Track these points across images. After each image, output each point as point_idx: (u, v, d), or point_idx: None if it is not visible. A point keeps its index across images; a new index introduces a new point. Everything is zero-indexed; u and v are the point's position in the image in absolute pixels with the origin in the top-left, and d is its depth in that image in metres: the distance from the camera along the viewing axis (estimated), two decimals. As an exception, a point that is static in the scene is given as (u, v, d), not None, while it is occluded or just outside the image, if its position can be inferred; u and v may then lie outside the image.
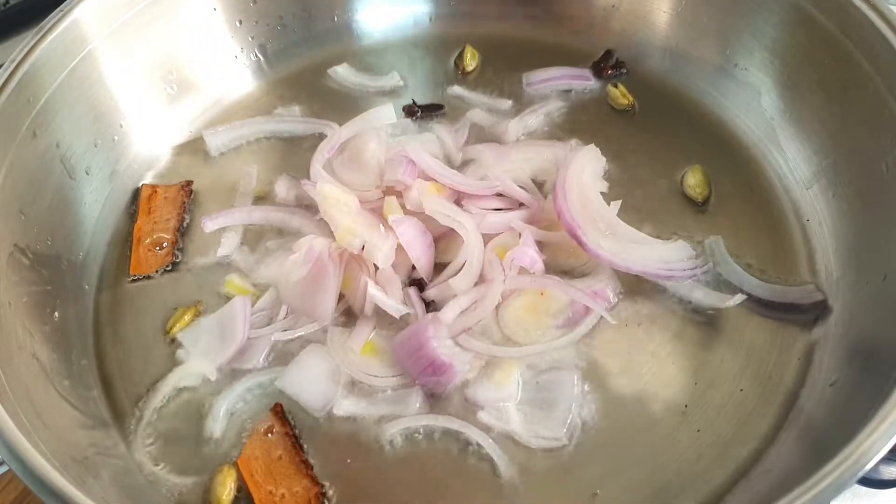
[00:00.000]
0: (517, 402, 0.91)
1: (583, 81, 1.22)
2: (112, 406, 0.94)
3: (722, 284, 0.97)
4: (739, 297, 0.94)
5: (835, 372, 0.89)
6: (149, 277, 1.04)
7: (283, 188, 1.11)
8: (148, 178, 1.15)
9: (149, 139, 1.17)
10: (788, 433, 0.87)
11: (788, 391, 0.90)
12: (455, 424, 0.89)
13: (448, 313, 0.94)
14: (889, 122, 0.92)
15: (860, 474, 0.68)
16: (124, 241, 1.08)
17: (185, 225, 1.09)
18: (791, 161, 1.08)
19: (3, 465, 0.75)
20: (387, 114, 1.16)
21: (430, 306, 0.97)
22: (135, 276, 1.04)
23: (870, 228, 0.95)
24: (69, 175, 1.05)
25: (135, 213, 1.10)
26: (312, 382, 0.93)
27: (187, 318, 0.99)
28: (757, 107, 1.12)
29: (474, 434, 0.88)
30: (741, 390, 0.91)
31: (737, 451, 0.87)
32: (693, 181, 1.07)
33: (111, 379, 0.96)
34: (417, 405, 0.91)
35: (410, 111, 1.20)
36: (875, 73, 0.94)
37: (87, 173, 1.08)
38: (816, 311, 0.95)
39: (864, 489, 0.88)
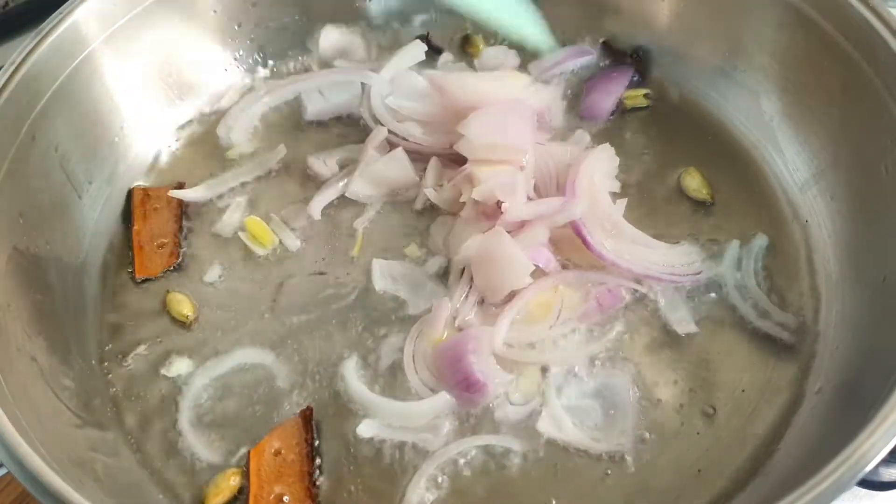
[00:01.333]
0: (572, 412, 0.89)
1: (587, 57, 1.22)
2: (111, 408, 0.94)
3: (711, 300, 0.97)
4: (693, 328, 0.94)
5: (835, 374, 0.89)
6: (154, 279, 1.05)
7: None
8: (149, 181, 1.15)
9: (149, 141, 1.17)
10: (789, 435, 0.87)
11: (789, 392, 0.90)
12: (485, 441, 0.88)
13: (502, 326, 0.92)
14: (888, 124, 0.92)
15: (860, 476, 0.67)
16: (124, 242, 1.08)
17: (184, 224, 1.09)
18: (790, 163, 1.08)
19: (2, 467, 0.75)
20: (417, 51, 1.20)
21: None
22: (141, 278, 1.04)
23: (869, 230, 0.95)
24: (68, 178, 1.05)
25: (130, 216, 1.10)
26: None
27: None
28: (756, 109, 1.12)
29: (509, 444, 0.87)
30: (742, 391, 0.91)
31: (737, 453, 0.87)
32: (694, 183, 1.07)
33: (110, 381, 0.96)
34: (447, 431, 0.89)
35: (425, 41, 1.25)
36: (874, 74, 0.94)
37: (87, 176, 1.08)
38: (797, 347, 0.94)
39: (863, 491, 0.88)
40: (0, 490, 0.97)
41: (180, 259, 1.06)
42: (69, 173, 1.05)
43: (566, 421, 0.88)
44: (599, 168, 1.01)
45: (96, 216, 1.09)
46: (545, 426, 0.88)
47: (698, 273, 0.97)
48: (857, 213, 0.97)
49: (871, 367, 0.83)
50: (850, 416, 0.76)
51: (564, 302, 0.95)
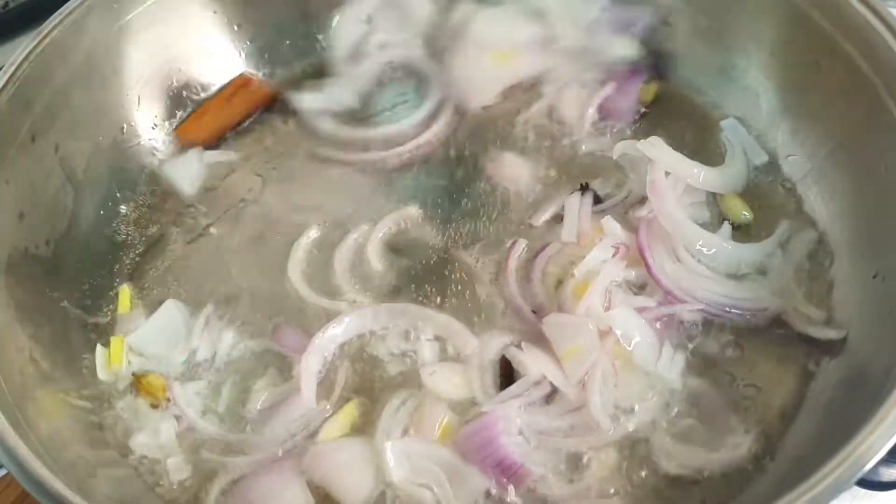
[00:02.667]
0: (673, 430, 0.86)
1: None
2: (111, 409, 0.94)
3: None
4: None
5: (832, 372, 0.89)
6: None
7: None
8: (149, 182, 1.15)
9: (149, 142, 1.17)
10: (789, 433, 0.87)
11: (788, 393, 0.90)
12: None
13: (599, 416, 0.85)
14: (888, 123, 0.92)
15: (859, 475, 0.67)
16: (124, 243, 1.09)
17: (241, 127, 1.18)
18: (790, 162, 1.07)
19: (2, 468, 0.75)
20: None
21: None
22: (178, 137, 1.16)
23: (868, 229, 0.95)
24: (68, 178, 1.05)
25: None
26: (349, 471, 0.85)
27: None
28: (756, 108, 1.12)
29: None
30: (752, 389, 0.91)
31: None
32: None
33: (110, 381, 0.96)
34: None
35: None
36: (873, 74, 0.94)
37: (87, 176, 1.08)
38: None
39: (863, 491, 0.88)
40: (0, 490, 0.97)
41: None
42: (69, 174, 1.05)
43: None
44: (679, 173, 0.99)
45: (97, 216, 1.09)
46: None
47: (765, 309, 0.93)
48: (857, 212, 0.97)
49: (870, 365, 0.83)
50: (849, 415, 0.76)
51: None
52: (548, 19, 1.14)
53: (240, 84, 1.21)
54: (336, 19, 1.22)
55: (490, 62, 1.16)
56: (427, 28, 1.21)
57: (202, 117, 1.18)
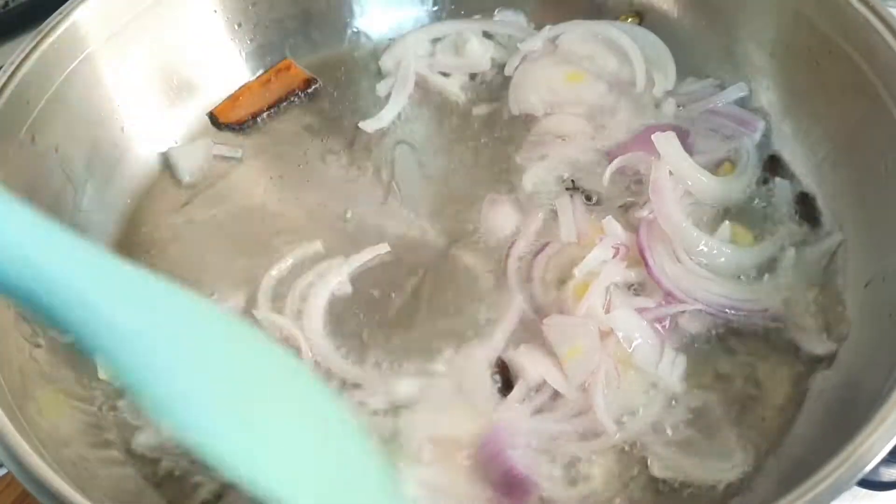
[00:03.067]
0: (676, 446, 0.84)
1: None
2: (112, 408, 0.94)
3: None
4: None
5: (832, 373, 0.89)
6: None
7: None
8: (149, 182, 1.15)
9: (149, 143, 1.17)
10: (788, 434, 0.87)
11: (788, 393, 0.90)
12: None
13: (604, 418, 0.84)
14: (888, 124, 0.92)
15: (859, 476, 0.67)
16: (124, 244, 1.09)
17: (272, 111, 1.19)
18: (789, 163, 1.07)
19: (2, 467, 0.75)
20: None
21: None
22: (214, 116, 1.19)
23: (868, 229, 0.95)
24: (69, 179, 1.05)
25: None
26: None
27: None
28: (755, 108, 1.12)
29: None
30: (751, 389, 0.90)
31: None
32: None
33: (111, 380, 0.96)
34: None
35: None
36: (874, 74, 0.94)
37: (88, 177, 1.08)
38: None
39: (863, 491, 0.87)
40: (0, 490, 0.97)
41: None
42: (69, 174, 1.05)
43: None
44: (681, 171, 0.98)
45: (97, 217, 1.09)
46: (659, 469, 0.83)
47: (765, 310, 0.92)
48: (857, 213, 0.97)
49: (870, 366, 0.83)
50: (849, 415, 0.76)
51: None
52: (635, 63, 1.13)
53: (280, 68, 1.24)
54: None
55: (558, 75, 1.15)
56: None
57: (238, 99, 1.21)
